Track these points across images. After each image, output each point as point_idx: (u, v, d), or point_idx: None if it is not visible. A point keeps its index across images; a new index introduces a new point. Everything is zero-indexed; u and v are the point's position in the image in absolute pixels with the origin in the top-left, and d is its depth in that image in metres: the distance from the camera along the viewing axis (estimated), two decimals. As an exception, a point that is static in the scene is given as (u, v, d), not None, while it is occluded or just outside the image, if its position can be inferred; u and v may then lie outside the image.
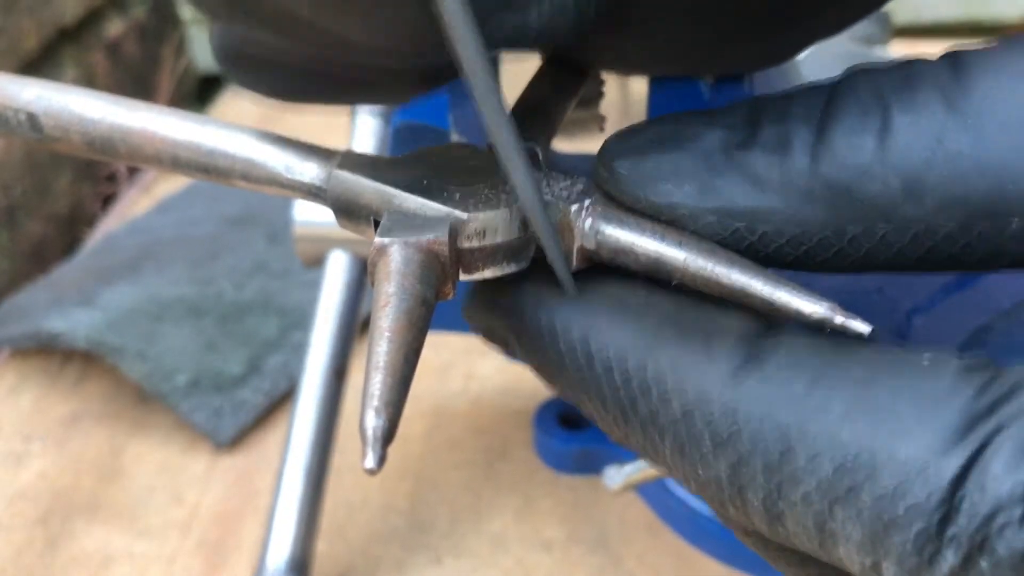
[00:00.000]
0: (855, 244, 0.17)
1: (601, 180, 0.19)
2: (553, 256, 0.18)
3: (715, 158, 0.18)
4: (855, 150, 0.17)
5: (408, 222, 0.18)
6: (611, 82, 0.28)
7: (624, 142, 0.19)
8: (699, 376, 0.17)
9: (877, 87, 0.17)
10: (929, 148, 0.16)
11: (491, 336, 0.21)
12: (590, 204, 0.19)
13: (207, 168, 0.21)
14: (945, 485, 0.14)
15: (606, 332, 0.18)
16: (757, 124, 0.18)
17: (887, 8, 0.61)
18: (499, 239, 0.19)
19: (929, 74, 0.17)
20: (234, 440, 0.48)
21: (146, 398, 0.51)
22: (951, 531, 0.14)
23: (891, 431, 0.15)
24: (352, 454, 0.46)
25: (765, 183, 0.17)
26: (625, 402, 0.18)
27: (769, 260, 0.18)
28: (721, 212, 0.18)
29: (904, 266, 0.18)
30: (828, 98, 0.18)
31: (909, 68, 0.17)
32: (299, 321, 0.53)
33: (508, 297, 0.20)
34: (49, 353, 0.54)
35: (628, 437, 0.18)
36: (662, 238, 0.18)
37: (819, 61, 0.52)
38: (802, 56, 0.55)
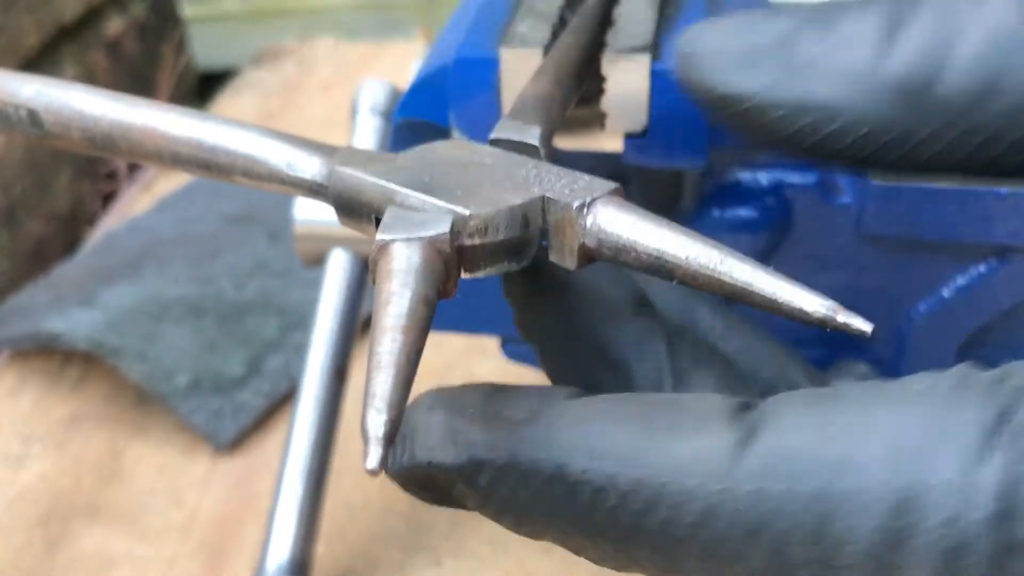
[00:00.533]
0: (922, 147, 0.18)
1: (679, 66, 0.19)
2: None
3: (794, 51, 0.18)
4: (928, 51, 0.17)
5: (410, 219, 0.18)
6: (612, 79, 0.28)
7: (706, 30, 0.19)
8: (700, 465, 0.15)
9: None
10: (1001, 54, 0.16)
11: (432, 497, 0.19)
12: (592, 202, 0.19)
13: (208, 164, 0.20)
14: (991, 499, 0.13)
15: (585, 453, 0.16)
16: (836, 20, 0.18)
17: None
18: (501, 236, 0.18)
19: None
20: (234, 442, 0.48)
21: (146, 399, 0.51)
22: (1015, 538, 0.13)
23: (921, 462, 0.14)
24: (352, 456, 0.45)
25: (840, 78, 0.18)
26: (627, 522, 0.16)
27: (830, 158, 0.18)
28: (792, 106, 0.18)
29: (971, 171, 0.18)
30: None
31: None
32: (299, 321, 0.53)
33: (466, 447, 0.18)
34: (49, 354, 0.54)
35: (636, 562, 0.16)
36: (664, 236, 0.18)
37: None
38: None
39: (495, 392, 0.19)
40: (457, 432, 0.18)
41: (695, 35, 0.19)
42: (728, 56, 0.18)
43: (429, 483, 0.19)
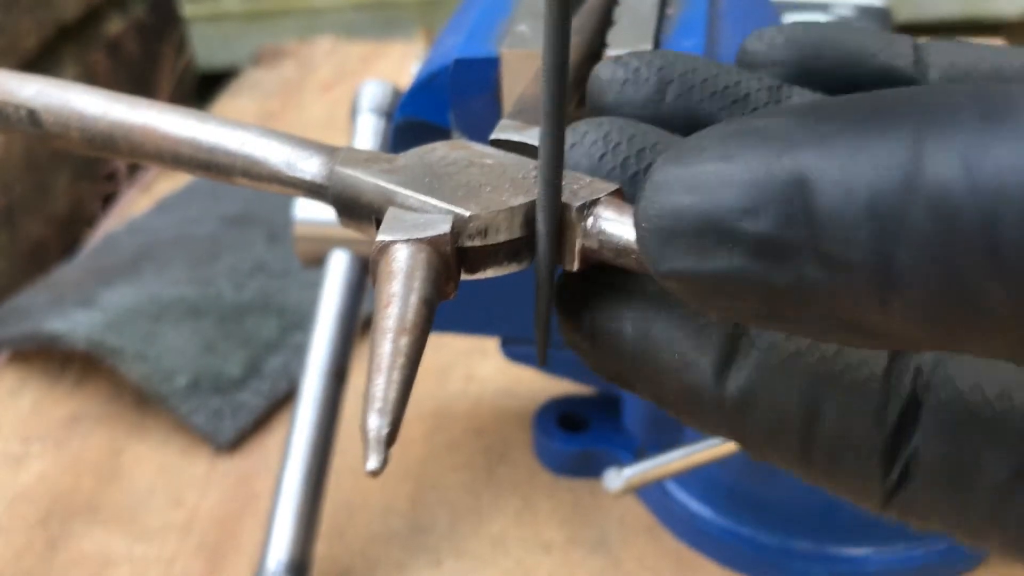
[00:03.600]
0: None
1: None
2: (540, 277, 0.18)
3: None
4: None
5: (410, 220, 0.18)
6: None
7: (650, 205, 0.15)
8: None
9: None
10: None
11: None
12: (592, 203, 0.19)
13: (208, 165, 0.20)
14: None
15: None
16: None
17: (888, 5, 0.61)
18: (501, 237, 0.18)
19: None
20: (234, 442, 0.48)
21: (146, 400, 0.51)
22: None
23: None
24: (352, 456, 0.45)
25: None
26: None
27: None
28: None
29: None
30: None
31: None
32: (299, 322, 0.53)
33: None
34: (49, 354, 0.54)
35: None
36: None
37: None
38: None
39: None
40: None
41: (645, 218, 0.15)
42: (680, 256, 0.15)
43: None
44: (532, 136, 0.21)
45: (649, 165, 0.19)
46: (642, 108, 0.20)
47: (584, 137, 0.19)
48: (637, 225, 0.16)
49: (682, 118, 0.20)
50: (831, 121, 0.14)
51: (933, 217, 0.13)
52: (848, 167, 0.13)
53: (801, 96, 0.20)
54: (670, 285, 0.15)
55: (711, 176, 0.14)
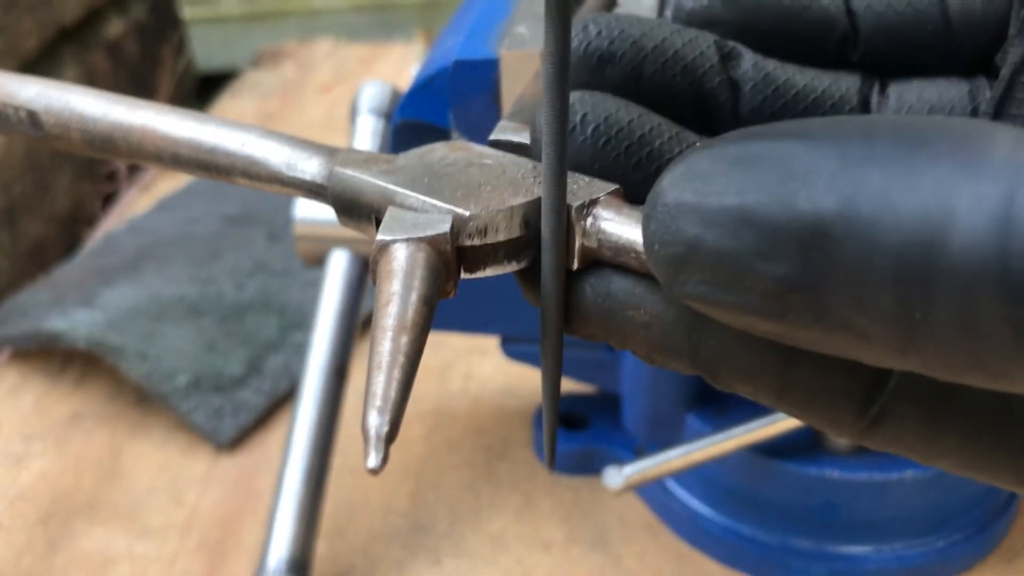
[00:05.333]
0: None
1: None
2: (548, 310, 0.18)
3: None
4: None
5: (410, 220, 0.18)
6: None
7: (664, 230, 0.15)
8: None
9: None
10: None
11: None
12: (591, 203, 0.19)
13: (208, 166, 0.20)
14: None
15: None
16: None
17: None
18: (500, 237, 0.19)
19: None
20: (234, 441, 0.48)
21: (146, 398, 0.51)
22: None
23: None
24: (353, 455, 0.46)
25: None
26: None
27: None
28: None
29: None
30: None
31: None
32: (299, 321, 0.53)
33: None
34: (50, 353, 0.54)
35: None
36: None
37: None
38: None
39: None
40: None
41: (652, 231, 0.15)
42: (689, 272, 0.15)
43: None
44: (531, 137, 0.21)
45: (650, 152, 0.19)
46: (617, 88, 0.20)
47: (583, 120, 0.19)
48: (648, 244, 0.16)
49: (659, 94, 0.20)
50: (848, 164, 0.13)
51: (962, 290, 0.12)
52: (872, 228, 0.13)
53: (753, 63, 0.20)
54: (685, 302, 0.16)
55: (727, 214, 0.14)
